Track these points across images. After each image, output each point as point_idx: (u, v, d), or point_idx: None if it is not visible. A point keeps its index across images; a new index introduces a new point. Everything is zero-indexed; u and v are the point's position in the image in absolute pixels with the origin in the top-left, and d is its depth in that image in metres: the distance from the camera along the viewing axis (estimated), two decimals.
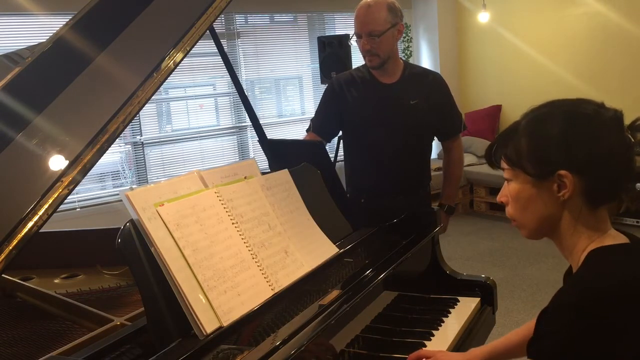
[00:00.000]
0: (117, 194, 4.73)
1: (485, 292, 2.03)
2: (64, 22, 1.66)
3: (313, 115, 2.66)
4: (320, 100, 2.63)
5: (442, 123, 2.60)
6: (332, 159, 3.93)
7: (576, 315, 1.02)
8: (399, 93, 2.48)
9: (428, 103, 2.49)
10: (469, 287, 2.05)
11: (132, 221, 1.31)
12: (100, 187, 5.30)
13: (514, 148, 1.16)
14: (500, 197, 1.23)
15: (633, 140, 1.10)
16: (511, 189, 1.19)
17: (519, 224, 1.21)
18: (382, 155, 2.49)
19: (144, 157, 5.43)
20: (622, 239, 1.15)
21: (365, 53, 2.43)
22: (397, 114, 2.47)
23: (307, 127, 2.64)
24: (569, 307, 1.04)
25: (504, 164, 1.19)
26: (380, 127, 2.47)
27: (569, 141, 1.11)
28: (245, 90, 2.25)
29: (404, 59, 2.77)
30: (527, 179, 1.15)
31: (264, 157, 2.27)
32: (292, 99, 6.44)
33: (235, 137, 5.99)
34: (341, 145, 2.76)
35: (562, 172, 1.10)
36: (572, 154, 1.10)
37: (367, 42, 2.38)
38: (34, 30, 4.70)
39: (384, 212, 2.12)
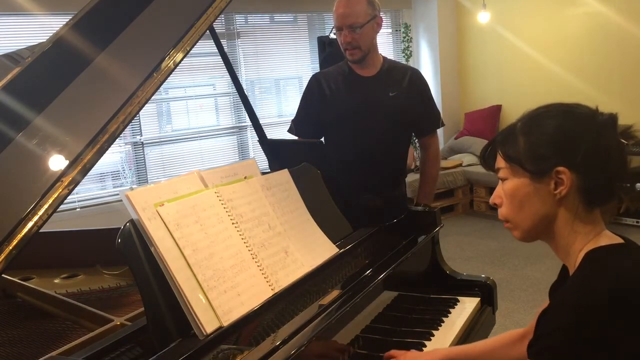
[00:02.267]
0: (117, 194, 4.74)
1: (485, 292, 2.03)
2: (64, 22, 1.66)
3: (294, 116, 2.61)
4: (301, 101, 2.60)
5: (421, 118, 2.58)
6: None
7: (577, 316, 1.02)
8: (378, 85, 2.48)
9: (407, 96, 2.49)
10: (469, 287, 2.05)
11: (132, 221, 1.31)
12: (100, 187, 5.30)
13: (511, 146, 1.17)
14: (494, 199, 1.23)
15: (626, 142, 1.11)
16: (507, 188, 1.19)
17: (513, 224, 1.20)
18: (361, 150, 2.47)
19: (144, 157, 5.43)
20: (617, 239, 1.15)
21: (346, 46, 2.42)
22: (376, 105, 2.46)
23: (289, 128, 2.61)
24: (570, 308, 1.04)
25: (500, 163, 1.19)
26: (359, 120, 2.46)
27: (565, 138, 1.12)
28: (245, 90, 2.25)
29: (404, 59, 2.77)
30: (525, 176, 1.15)
31: (264, 157, 2.27)
32: (292, 99, 6.43)
33: (235, 137, 5.99)
34: None
35: (560, 168, 1.10)
36: (569, 151, 1.10)
37: (348, 35, 2.38)
38: (34, 30, 4.70)
39: (360, 211, 2.10)
